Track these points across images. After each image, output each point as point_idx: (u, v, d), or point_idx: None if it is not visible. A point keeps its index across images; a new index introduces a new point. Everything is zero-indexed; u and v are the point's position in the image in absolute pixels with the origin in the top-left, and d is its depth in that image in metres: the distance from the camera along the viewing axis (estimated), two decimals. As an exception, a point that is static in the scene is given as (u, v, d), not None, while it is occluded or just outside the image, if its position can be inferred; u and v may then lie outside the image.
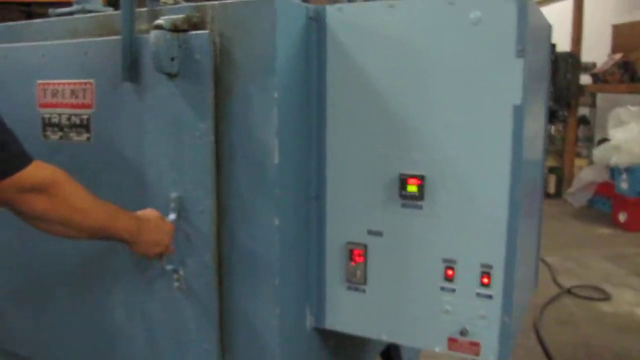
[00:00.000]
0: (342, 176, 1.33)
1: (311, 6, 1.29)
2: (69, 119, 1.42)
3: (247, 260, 1.28)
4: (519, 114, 1.16)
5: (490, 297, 1.22)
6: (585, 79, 6.33)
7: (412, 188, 1.25)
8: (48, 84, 1.44)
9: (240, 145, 1.25)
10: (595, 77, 6.08)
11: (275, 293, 1.26)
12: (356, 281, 1.34)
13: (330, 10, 1.28)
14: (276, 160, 1.22)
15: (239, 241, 1.28)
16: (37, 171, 1.05)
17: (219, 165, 1.27)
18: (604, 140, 5.62)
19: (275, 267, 1.25)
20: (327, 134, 1.32)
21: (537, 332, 3.03)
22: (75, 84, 1.40)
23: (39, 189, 1.05)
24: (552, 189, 6.40)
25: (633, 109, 5.30)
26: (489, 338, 1.24)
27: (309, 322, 1.39)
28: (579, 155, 6.62)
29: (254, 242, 1.27)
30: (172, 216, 1.28)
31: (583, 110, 6.75)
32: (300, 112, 1.29)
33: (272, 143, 1.21)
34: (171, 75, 1.24)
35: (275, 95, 1.20)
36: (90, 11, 1.56)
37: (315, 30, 1.29)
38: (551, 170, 6.37)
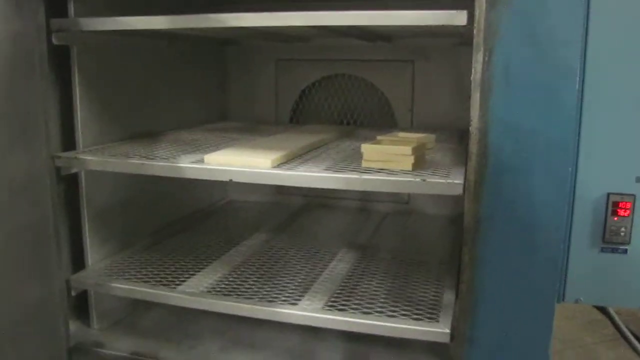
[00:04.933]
0: (601, 117, 1.05)
1: None
2: None
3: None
4: None
5: None
6: None
7: None
8: None
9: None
10: None
11: (553, 269, 1.00)
12: (618, 240, 1.09)
13: None
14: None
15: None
16: None
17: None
18: None
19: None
20: (587, 67, 1.04)
21: None
22: None
23: None
24: None
25: None
26: None
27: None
28: None
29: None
30: None
31: None
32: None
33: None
34: None
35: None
36: None
37: None
38: None
